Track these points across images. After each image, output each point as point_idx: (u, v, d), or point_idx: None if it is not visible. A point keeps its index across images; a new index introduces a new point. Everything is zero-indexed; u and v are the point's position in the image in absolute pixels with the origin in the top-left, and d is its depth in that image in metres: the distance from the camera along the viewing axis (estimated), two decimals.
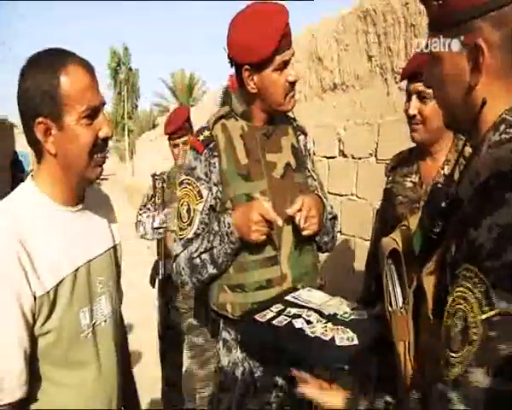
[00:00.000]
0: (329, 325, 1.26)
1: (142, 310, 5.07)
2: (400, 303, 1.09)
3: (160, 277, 3.03)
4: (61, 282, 1.14)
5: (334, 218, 1.81)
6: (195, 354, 2.94)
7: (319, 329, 1.24)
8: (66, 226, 1.20)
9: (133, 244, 6.73)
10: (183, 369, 3.23)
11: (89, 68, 1.16)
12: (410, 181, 1.85)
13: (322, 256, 2.51)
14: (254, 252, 1.58)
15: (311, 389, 1.06)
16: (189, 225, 1.62)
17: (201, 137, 1.64)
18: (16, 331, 1.05)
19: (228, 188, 1.60)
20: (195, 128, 1.75)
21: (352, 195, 3.56)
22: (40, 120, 1.10)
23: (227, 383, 1.64)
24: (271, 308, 1.39)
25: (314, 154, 1.94)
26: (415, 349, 1.03)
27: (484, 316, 0.73)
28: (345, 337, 1.19)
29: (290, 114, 1.77)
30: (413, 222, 1.08)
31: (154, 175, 3.18)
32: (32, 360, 1.10)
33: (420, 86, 1.66)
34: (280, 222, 1.49)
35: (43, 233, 1.13)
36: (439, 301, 0.87)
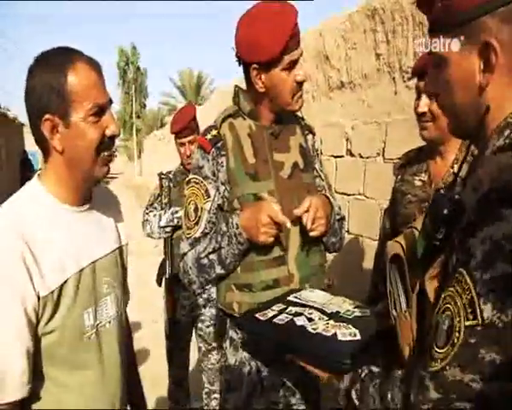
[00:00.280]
0: (331, 322, 1.24)
1: (150, 309, 5.09)
2: (404, 307, 1.09)
3: (167, 276, 3.04)
4: (65, 282, 1.14)
5: (342, 219, 1.79)
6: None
7: (321, 326, 1.22)
8: (72, 226, 1.20)
9: (140, 243, 6.76)
10: (190, 368, 3.24)
11: (96, 66, 1.17)
12: (419, 180, 1.84)
13: (330, 256, 2.51)
14: (262, 252, 1.57)
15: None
16: (197, 224, 1.61)
17: (209, 136, 1.63)
18: (19, 331, 1.05)
19: (235, 187, 1.59)
20: (203, 127, 1.75)
21: (359, 194, 3.55)
22: (47, 117, 1.11)
23: (234, 382, 1.64)
24: (273, 307, 1.39)
25: (321, 153, 1.93)
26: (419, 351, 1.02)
27: (467, 323, 0.76)
28: (347, 333, 1.18)
29: (298, 113, 1.76)
30: (420, 224, 1.07)
31: (160, 174, 3.18)
32: (35, 360, 1.10)
33: None
34: (289, 224, 1.48)
35: (47, 233, 1.13)
36: None
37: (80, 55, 1.16)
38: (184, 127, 2.96)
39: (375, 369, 1.00)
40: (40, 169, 1.25)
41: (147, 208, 3.14)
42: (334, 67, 3.81)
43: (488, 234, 0.74)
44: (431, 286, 0.93)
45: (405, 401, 0.84)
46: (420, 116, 1.75)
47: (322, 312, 1.32)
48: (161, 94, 46.96)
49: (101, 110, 1.15)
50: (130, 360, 1.49)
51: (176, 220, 2.91)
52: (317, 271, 1.68)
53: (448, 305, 0.80)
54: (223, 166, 1.61)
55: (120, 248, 1.40)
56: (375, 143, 3.31)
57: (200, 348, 3.07)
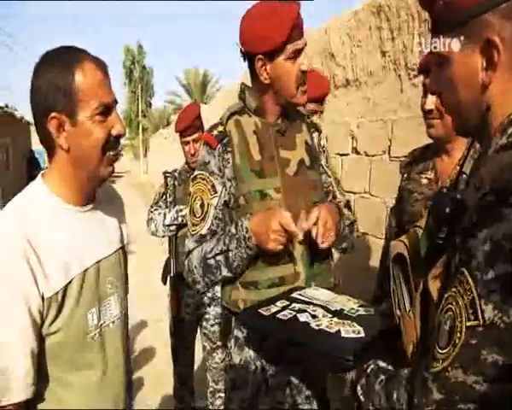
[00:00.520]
0: (335, 319, 1.23)
1: (155, 307, 5.10)
2: (408, 307, 1.08)
3: (172, 274, 3.04)
4: (69, 283, 1.14)
5: (352, 223, 1.76)
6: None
7: (325, 322, 1.21)
8: (76, 226, 1.20)
9: (146, 241, 6.78)
10: (195, 366, 3.24)
11: (102, 66, 1.17)
12: (426, 178, 1.83)
13: (335, 254, 2.50)
14: (269, 255, 1.56)
15: None
16: (203, 220, 1.60)
17: (215, 133, 1.63)
18: (23, 332, 1.05)
19: (241, 184, 1.58)
20: (208, 126, 1.75)
21: (365, 192, 3.54)
22: (53, 115, 1.11)
23: (238, 381, 1.63)
24: (276, 303, 1.37)
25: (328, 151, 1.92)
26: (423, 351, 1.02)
27: (468, 324, 0.76)
28: (351, 331, 1.16)
29: (303, 110, 1.75)
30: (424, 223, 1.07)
31: (165, 173, 3.18)
32: (39, 361, 1.10)
33: None
34: (300, 237, 1.47)
35: (51, 233, 1.13)
36: None
37: (87, 54, 1.16)
38: (189, 126, 2.96)
39: (381, 363, 0.99)
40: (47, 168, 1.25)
41: (151, 207, 3.15)
42: (340, 64, 3.79)
43: (488, 234, 0.74)
44: (434, 286, 0.93)
45: (410, 403, 0.83)
46: (426, 113, 1.74)
47: (326, 309, 1.31)
48: (167, 93, 47.11)
49: (107, 110, 1.15)
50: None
51: (180, 219, 2.91)
52: (323, 270, 1.67)
53: (450, 305, 0.80)
54: (229, 163, 1.60)
55: (122, 248, 1.40)
56: (381, 141, 3.30)
57: (204, 347, 3.07)
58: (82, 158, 1.16)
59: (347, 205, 1.82)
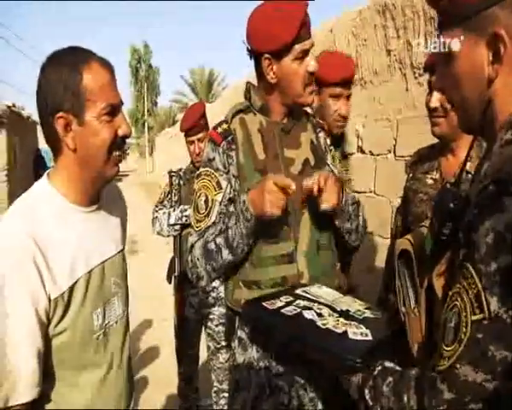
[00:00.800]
0: (342, 319, 1.21)
1: (159, 306, 5.11)
2: (413, 304, 1.08)
3: (176, 273, 3.05)
4: (75, 283, 1.14)
5: (357, 203, 1.71)
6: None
7: (331, 322, 1.19)
8: (81, 227, 1.20)
9: (151, 240, 6.79)
10: (200, 366, 3.24)
11: (109, 67, 1.18)
12: (431, 178, 1.82)
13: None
14: (271, 248, 1.55)
15: None
16: (207, 216, 1.59)
17: (220, 130, 1.63)
18: (30, 332, 1.06)
19: (245, 183, 1.58)
20: (213, 125, 1.74)
21: (370, 192, 3.52)
22: (61, 114, 1.11)
23: (242, 381, 1.62)
24: (280, 298, 1.35)
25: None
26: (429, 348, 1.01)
27: (474, 317, 0.75)
28: (358, 332, 1.14)
29: (309, 110, 1.74)
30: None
31: (170, 172, 3.19)
32: (45, 361, 1.10)
33: None
34: (293, 186, 1.42)
35: (57, 234, 1.13)
36: None
37: (94, 54, 1.17)
38: (193, 125, 2.96)
39: (387, 364, 0.98)
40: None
41: (156, 206, 3.16)
42: None
43: (490, 226, 0.74)
44: (438, 283, 0.92)
45: (420, 404, 0.82)
46: (431, 111, 1.73)
47: (332, 309, 1.29)
48: (173, 92, 47.17)
49: (114, 110, 1.16)
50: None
51: (184, 218, 2.92)
52: (327, 271, 1.64)
53: (455, 302, 0.79)
54: (233, 161, 1.60)
55: (123, 248, 1.41)
56: (386, 140, 3.28)
57: (209, 347, 3.08)
58: (88, 158, 1.16)
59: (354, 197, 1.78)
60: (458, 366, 0.76)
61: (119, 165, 1.25)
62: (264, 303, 1.33)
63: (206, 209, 1.60)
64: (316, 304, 1.32)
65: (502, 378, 0.73)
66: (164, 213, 3.04)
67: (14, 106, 15.64)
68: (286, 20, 1.47)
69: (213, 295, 2.99)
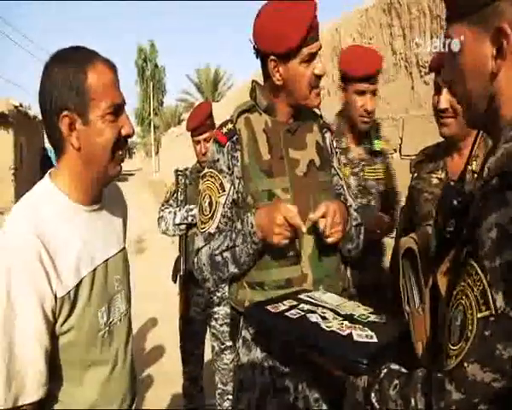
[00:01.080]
0: (346, 322, 1.20)
1: (165, 305, 5.11)
2: (417, 303, 1.07)
3: (182, 273, 3.04)
4: (80, 282, 1.15)
5: (360, 225, 1.71)
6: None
7: (335, 324, 1.18)
8: (85, 226, 1.21)
9: (157, 240, 6.80)
10: (205, 365, 3.24)
11: (113, 67, 1.19)
12: (436, 177, 1.80)
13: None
14: (275, 250, 1.53)
15: None
16: (211, 218, 1.59)
17: (224, 130, 1.62)
18: (38, 332, 1.06)
19: (249, 183, 1.57)
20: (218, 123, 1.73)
21: None
22: (65, 113, 1.11)
23: (246, 382, 1.61)
24: (284, 302, 1.35)
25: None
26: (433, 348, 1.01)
27: (480, 315, 0.74)
28: (363, 335, 1.13)
29: (317, 110, 1.73)
30: None
31: (176, 171, 3.18)
32: (51, 360, 1.11)
33: None
34: (304, 229, 1.44)
35: (62, 233, 1.13)
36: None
37: (97, 54, 1.17)
38: (200, 125, 2.95)
39: (393, 366, 0.97)
40: None
41: (162, 205, 3.15)
42: None
43: (494, 221, 0.73)
44: (442, 282, 0.92)
45: (428, 407, 0.81)
46: (441, 112, 1.70)
47: (336, 313, 1.28)
48: (179, 91, 47.21)
49: (117, 110, 1.17)
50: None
51: (190, 218, 2.91)
52: (332, 273, 1.63)
53: (460, 300, 0.78)
54: (238, 161, 1.59)
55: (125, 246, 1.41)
56: (392, 139, 3.27)
57: (213, 348, 3.06)
58: (92, 157, 1.16)
59: (357, 210, 1.77)
60: (466, 364, 0.75)
61: (122, 164, 1.26)
62: (267, 307, 1.33)
63: (210, 212, 1.60)
64: (320, 308, 1.31)
65: (511, 378, 0.72)
66: (170, 212, 3.03)
67: (21, 106, 15.74)
68: (294, 22, 1.44)
69: (218, 294, 2.98)
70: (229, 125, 1.62)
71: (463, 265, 0.79)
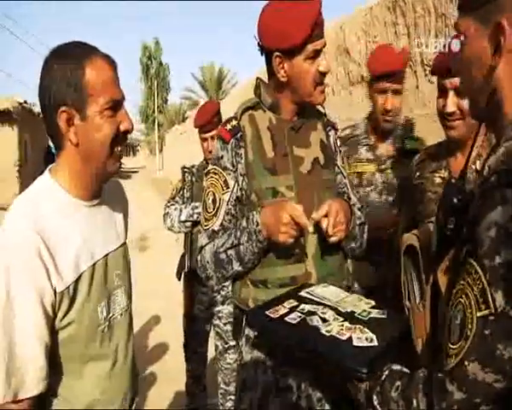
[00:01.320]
0: (346, 324, 1.20)
1: (169, 303, 5.11)
2: (418, 299, 1.07)
3: (186, 270, 3.05)
4: (80, 276, 1.15)
5: (363, 224, 1.71)
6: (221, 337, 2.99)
7: (335, 327, 1.18)
8: (84, 221, 1.21)
9: (161, 237, 6.80)
10: (208, 364, 3.24)
11: (112, 63, 1.19)
12: (439, 177, 1.79)
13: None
14: (279, 248, 1.53)
15: None
16: (215, 215, 1.59)
17: (229, 127, 1.62)
18: (37, 326, 1.07)
19: (253, 181, 1.57)
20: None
21: None
22: (63, 109, 1.12)
23: (249, 381, 1.60)
24: (284, 304, 1.34)
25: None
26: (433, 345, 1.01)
27: (480, 314, 0.74)
28: (363, 338, 1.13)
29: (321, 108, 1.72)
30: None
31: (183, 168, 3.17)
32: (52, 354, 1.11)
33: (458, 81, 1.59)
34: (311, 229, 1.44)
35: (62, 229, 1.14)
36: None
37: (97, 50, 1.17)
38: (206, 122, 2.96)
39: (394, 367, 0.97)
40: None
41: (168, 202, 3.14)
42: (355, 61, 3.77)
43: (493, 219, 0.73)
44: (442, 280, 0.92)
45: (431, 408, 0.81)
46: (447, 115, 1.69)
47: (337, 311, 1.28)
48: (183, 89, 47.27)
49: (116, 105, 1.17)
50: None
51: (196, 216, 2.91)
52: (335, 271, 1.63)
53: (460, 299, 0.78)
54: (242, 158, 1.59)
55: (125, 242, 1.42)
56: None
57: (216, 347, 3.06)
58: (91, 153, 1.17)
59: (361, 209, 1.77)
60: (466, 363, 0.75)
61: (124, 161, 1.25)
62: (267, 312, 1.31)
63: (213, 209, 1.60)
64: (320, 307, 1.31)
65: (511, 377, 0.72)
66: (175, 209, 3.03)
67: (25, 102, 15.76)
68: (299, 19, 1.44)
69: (222, 293, 2.98)
70: (234, 122, 1.62)
71: (463, 264, 0.79)
